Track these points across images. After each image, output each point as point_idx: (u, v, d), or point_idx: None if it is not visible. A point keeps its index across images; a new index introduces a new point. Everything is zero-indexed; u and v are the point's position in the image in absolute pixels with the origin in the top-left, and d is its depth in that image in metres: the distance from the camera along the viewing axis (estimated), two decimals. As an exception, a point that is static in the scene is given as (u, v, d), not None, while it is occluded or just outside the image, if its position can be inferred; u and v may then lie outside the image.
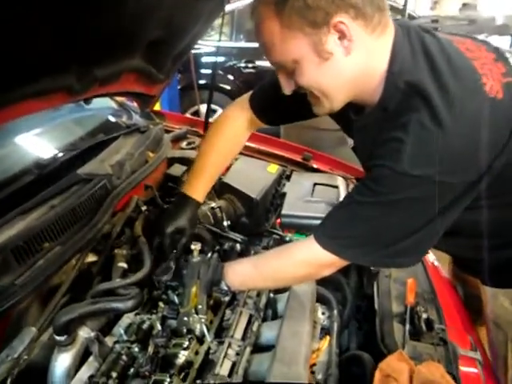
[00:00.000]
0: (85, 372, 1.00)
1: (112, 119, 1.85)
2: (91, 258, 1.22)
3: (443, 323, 1.09)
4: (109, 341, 1.07)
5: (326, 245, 0.92)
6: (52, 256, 1.03)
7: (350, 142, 1.08)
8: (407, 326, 1.05)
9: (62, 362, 0.98)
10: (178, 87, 4.23)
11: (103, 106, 1.90)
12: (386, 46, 0.85)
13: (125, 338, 1.07)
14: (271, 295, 1.13)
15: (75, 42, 1.01)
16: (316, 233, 0.95)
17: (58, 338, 0.96)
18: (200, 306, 1.04)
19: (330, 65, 0.83)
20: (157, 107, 3.48)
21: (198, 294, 1.02)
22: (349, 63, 0.84)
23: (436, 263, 1.46)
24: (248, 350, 0.96)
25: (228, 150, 1.29)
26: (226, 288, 1.04)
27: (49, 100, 1.11)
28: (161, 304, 1.18)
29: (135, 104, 1.93)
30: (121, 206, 1.34)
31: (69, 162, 1.36)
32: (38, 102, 1.07)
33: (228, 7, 4.44)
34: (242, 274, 1.05)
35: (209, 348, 1.00)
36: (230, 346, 0.98)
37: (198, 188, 1.21)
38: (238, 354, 0.96)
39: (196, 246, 0.98)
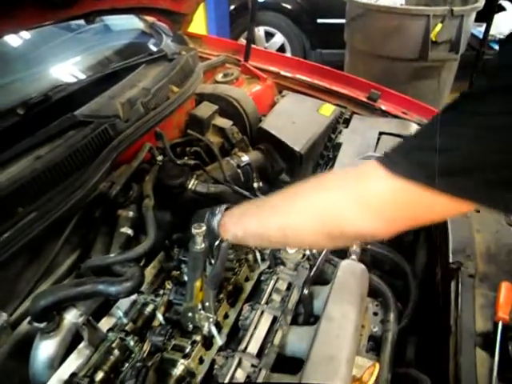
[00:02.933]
0: (73, 361, 0.84)
1: (136, 43, 1.54)
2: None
3: (552, 354, 0.75)
4: (105, 324, 0.90)
5: (394, 164, 0.56)
6: (23, 224, 0.81)
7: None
8: (496, 357, 0.73)
9: (44, 350, 0.83)
10: (232, 7, 3.76)
11: (128, 27, 1.60)
12: None
13: (124, 321, 0.89)
14: (305, 291, 0.84)
15: None
16: (381, 156, 0.59)
17: (36, 324, 0.78)
18: (207, 303, 0.79)
19: None
20: (202, 29, 3.12)
21: (204, 289, 0.76)
22: None
23: None
24: (263, 373, 0.70)
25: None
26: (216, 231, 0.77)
27: (17, 18, 0.82)
28: (168, 284, 0.96)
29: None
30: (128, 156, 1.08)
31: (68, 98, 1.10)
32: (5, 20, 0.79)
33: None
34: (247, 207, 0.76)
35: (213, 360, 0.76)
36: (240, 363, 0.72)
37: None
38: (249, 376, 0.70)
39: (199, 230, 0.69)
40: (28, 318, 0.80)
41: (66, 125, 1.01)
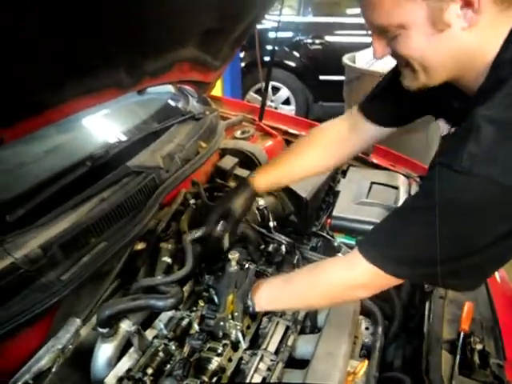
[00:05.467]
0: (125, 363, 1.03)
1: (170, 104, 1.85)
2: (140, 246, 1.25)
3: (501, 358, 0.98)
4: (149, 334, 1.10)
5: (368, 255, 0.82)
6: (97, 252, 1.06)
7: (443, 128, 0.97)
8: (457, 358, 0.96)
9: (104, 351, 1.02)
10: (242, 64, 4.16)
11: (161, 89, 1.91)
12: (507, 24, 0.73)
13: (164, 332, 1.10)
14: (311, 307, 1.08)
15: (123, 37, 0.99)
16: (360, 242, 0.86)
17: (101, 330, 0.99)
18: (236, 314, 1.02)
19: (442, 38, 0.73)
20: (218, 86, 3.49)
21: (235, 302, 1.00)
22: (465, 39, 0.73)
23: (505, 279, 1.32)
24: (280, 365, 0.93)
25: (321, 158, 1.20)
26: (251, 304, 1.01)
27: (99, 96, 1.11)
28: (201, 302, 1.18)
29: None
30: (169, 199, 1.34)
31: (122, 152, 1.37)
32: (88, 99, 1.08)
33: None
34: (271, 289, 1.01)
35: (241, 358, 0.99)
36: (262, 359, 0.95)
37: (261, 179, 1.19)
38: (269, 369, 0.93)
39: (234, 256, 0.95)
40: (90, 324, 1.02)
41: (122, 174, 1.27)
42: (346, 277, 0.88)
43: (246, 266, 1.00)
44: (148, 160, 1.38)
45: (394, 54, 0.81)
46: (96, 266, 1.03)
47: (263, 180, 1.20)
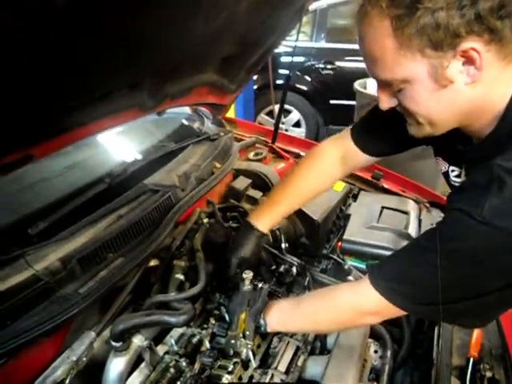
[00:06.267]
0: (136, 377, 1.05)
1: (186, 124, 1.90)
2: (153, 262, 1.28)
3: (511, 386, 0.98)
4: (160, 349, 1.11)
5: (379, 286, 0.85)
6: (114, 267, 1.09)
7: (444, 166, 0.98)
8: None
9: (116, 365, 1.03)
10: (254, 87, 4.25)
11: (178, 110, 1.96)
12: None
13: (175, 348, 1.11)
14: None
15: (147, 61, 1.04)
16: (372, 271, 0.89)
17: (114, 343, 1.01)
18: (248, 332, 1.04)
19: (446, 93, 0.73)
20: (231, 108, 3.57)
21: (247, 321, 1.02)
22: (468, 93, 0.73)
23: None
24: (291, 386, 0.95)
25: (313, 184, 1.23)
26: (263, 324, 1.02)
27: (122, 117, 1.16)
28: (212, 320, 1.20)
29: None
30: (184, 217, 1.37)
31: (139, 170, 1.42)
32: (111, 119, 1.13)
33: (312, 6, 4.37)
34: (282, 311, 1.03)
35: (252, 376, 1.00)
36: (272, 377, 0.97)
37: (265, 220, 1.20)
38: (280, 388, 0.95)
39: (248, 276, 0.98)
40: (103, 337, 1.04)
41: (139, 192, 1.31)
42: (356, 304, 0.91)
43: (260, 285, 1.02)
44: (164, 179, 1.42)
45: (400, 106, 0.82)
46: (112, 280, 1.06)
47: (267, 221, 1.20)
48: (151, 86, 1.15)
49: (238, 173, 1.69)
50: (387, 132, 1.04)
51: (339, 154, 1.20)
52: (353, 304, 0.91)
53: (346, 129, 1.20)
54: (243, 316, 1.01)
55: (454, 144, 0.87)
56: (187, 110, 2.02)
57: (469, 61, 0.70)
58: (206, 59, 1.28)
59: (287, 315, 1.02)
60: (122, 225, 1.17)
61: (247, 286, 0.99)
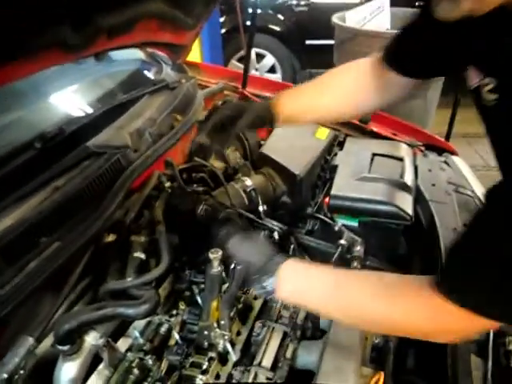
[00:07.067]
0: (93, 383, 0.87)
1: (140, 72, 1.62)
2: (111, 238, 1.06)
3: (539, 357, 0.82)
4: (122, 344, 0.94)
5: (457, 298, 0.61)
6: (48, 255, 0.86)
7: (475, 79, 0.75)
8: (490, 364, 0.80)
9: (66, 372, 0.86)
10: (222, 31, 3.87)
11: (129, 57, 1.67)
12: None
13: (140, 341, 0.94)
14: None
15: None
16: (444, 282, 0.64)
17: (60, 347, 0.82)
18: (223, 322, 0.85)
19: None
20: (197, 54, 3.22)
21: (220, 308, 0.82)
22: None
23: None
24: (278, 385, 0.76)
25: (340, 102, 1.04)
26: (270, 287, 0.75)
27: (40, 60, 0.89)
28: (181, 305, 1.01)
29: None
30: (139, 183, 1.14)
31: (80, 130, 1.16)
32: (26, 63, 0.86)
33: None
34: (307, 282, 0.76)
35: (231, 375, 0.82)
36: (256, 376, 0.78)
37: (288, 103, 1.01)
38: (266, 389, 0.77)
39: (216, 255, 0.76)
40: (48, 341, 0.85)
41: (80, 156, 1.07)
42: (436, 312, 0.65)
43: (232, 265, 0.81)
44: (113, 138, 1.18)
45: None
46: (47, 272, 0.84)
47: (289, 105, 1.01)
48: (73, 16, 0.87)
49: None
50: (425, 51, 0.86)
51: (370, 81, 1.00)
52: (426, 321, 0.67)
53: (373, 55, 1.01)
54: (215, 304, 0.82)
55: (498, 37, 0.64)
56: (140, 54, 1.72)
57: None
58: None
59: (313, 291, 0.75)
60: (58, 199, 0.94)
61: (216, 268, 0.78)
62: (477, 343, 0.85)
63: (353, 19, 2.81)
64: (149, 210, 1.12)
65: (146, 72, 1.64)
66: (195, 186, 1.15)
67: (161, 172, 1.20)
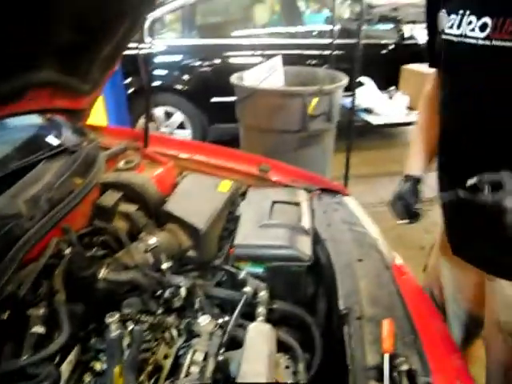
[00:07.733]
0: None
1: (36, 138, 1.58)
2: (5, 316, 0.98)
3: (427, 373, 0.91)
4: None
5: None
6: None
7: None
8: (386, 384, 0.86)
9: None
10: (130, 90, 3.92)
11: (27, 122, 1.63)
12: None
13: None
14: (220, 357, 0.92)
15: None
16: None
17: None
18: (128, 388, 0.82)
19: None
20: (102, 116, 3.21)
21: (124, 374, 0.80)
22: None
23: (406, 270, 1.32)
24: None
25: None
26: None
27: None
28: (87, 377, 0.96)
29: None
30: (35, 253, 1.09)
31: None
32: None
33: (178, 2, 4.17)
34: None
35: None
36: None
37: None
38: None
39: (113, 319, 0.75)
40: None
41: (-34, 229, 1.01)
42: None
43: (130, 327, 0.80)
44: (6, 208, 1.12)
45: None
46: None
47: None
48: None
49: (105, 187, 1.43)
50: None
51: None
52: None
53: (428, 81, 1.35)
54: (117, 370, 0.79)
55: None
56: (39, 119, 1.69)
57: None
58: (34, 49, 1.02)
59: None
60: None
61: (114, 332, 0.77)
62: (374, 368, 0.91)
63: (250, 78, 3.02)
64: (48, 279, 1.07)
65: (44, 137, 1.60)
66: (95, 249, 1.12)
67: (60, 239, 1.16)
